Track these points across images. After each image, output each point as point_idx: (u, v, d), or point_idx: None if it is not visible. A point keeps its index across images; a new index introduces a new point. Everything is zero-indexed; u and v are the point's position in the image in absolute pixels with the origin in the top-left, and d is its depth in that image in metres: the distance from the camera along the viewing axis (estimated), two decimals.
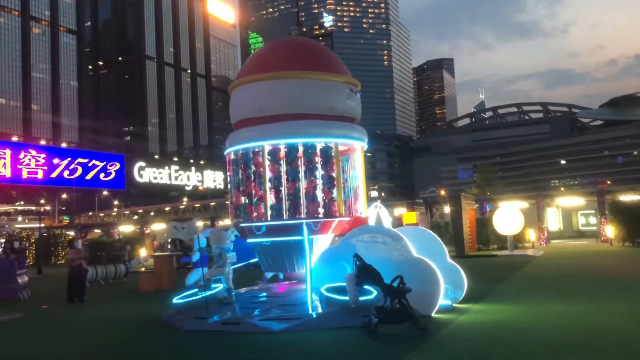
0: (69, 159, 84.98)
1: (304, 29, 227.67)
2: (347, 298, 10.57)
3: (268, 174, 12.16)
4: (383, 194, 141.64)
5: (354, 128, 13.01)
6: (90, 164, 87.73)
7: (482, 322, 10.62)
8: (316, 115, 12.27)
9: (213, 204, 66.25)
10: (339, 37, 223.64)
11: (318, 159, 12.23)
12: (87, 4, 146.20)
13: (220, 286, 12.06)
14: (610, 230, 33.18)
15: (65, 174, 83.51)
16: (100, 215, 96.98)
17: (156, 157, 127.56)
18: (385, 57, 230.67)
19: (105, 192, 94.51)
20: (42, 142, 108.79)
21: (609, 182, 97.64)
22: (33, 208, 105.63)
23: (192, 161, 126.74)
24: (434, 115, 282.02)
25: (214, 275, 11.96)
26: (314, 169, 12.17)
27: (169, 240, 30.93)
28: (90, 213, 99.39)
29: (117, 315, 13.95)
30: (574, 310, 11.31)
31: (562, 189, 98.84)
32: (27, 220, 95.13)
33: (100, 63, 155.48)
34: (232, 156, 12.90)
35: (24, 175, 78.96)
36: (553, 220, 43.86)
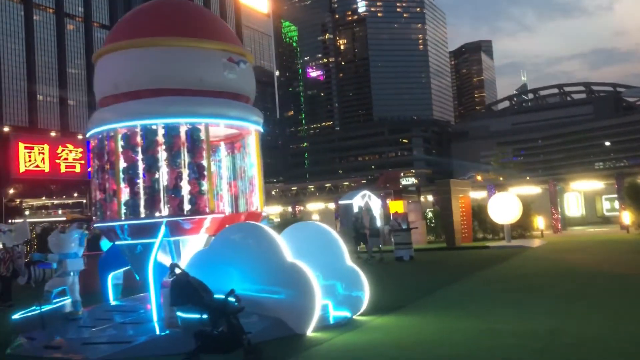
0: None
1: (337, 16, 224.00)
2: (194, 315, 8.40)
3: (122, 164, 10.07)
4: (417, 180, 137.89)
5: (231, 105, 10.71)
6: None
7: (359, 345, 8.31)
8: (181, 91, 10.07)
9: None
10: (373, 23, 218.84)
11: (183, 144, 10.11)
12: None
13: (67, 299, 10.18)
14: (627, 217, 29.49)
15: None
16: None
17: None
18: (421, 41, 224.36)
19: None
20: (79, 137, 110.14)
21: None
22: (69, 202, 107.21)
23: None
24: (473, 99, 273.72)
25: (56, 287, 10.07)
26: (176, 156, 10.04)
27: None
28: None
29: None
30: (506, 329, 8.67)
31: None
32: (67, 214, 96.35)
33: None
34: (92, 143, 10.89)
35: (62, 169, 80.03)
36: (575, 205, 40.31)
